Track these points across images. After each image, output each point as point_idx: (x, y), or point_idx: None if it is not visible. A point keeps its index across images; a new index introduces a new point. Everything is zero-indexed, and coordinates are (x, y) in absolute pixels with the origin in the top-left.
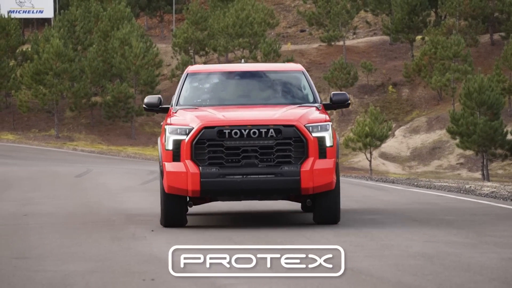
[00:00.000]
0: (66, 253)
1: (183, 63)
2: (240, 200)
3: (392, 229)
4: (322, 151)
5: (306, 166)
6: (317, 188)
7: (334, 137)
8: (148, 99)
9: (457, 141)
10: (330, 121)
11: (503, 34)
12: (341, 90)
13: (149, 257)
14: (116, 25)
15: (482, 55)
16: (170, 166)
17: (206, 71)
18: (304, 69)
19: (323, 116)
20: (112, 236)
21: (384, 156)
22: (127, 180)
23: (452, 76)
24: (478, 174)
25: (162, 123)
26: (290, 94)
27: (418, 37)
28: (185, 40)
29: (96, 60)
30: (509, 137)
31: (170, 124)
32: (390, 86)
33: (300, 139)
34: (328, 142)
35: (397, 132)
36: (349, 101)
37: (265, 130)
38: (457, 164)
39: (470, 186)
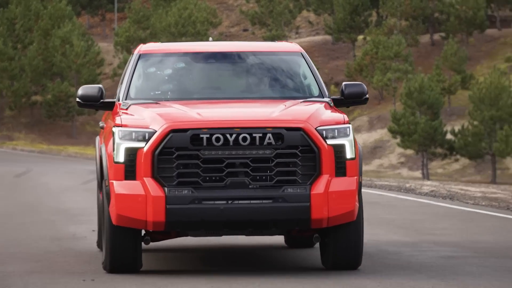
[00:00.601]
0: (5, 253)
1: (125, 62)
2: (222, 235)
3: None
4: (341, 166)
5: (319, 187)
6: (333, 219)
7: (356, 145)
8: (84, 90)
9: (398, 140)
10: (349, 123)
11: (443, 34)
12: None
13: (90, 258)
14: (57, 24)
15: (423, 55)
16: (120, 187)
17: (166, 51)
18: (303, 51)
19: (340, 116)
20: (52, 236)
21: None
22: (68, 179)
23: (393, 76)
24: (418, 173)
25: (101, 124)
26: (287, 85)
27: (360, 37)
28: (127, 39)
29: (37, 58)
30: (448, 136)
31: (121, 126)
32: (332, 86)
33: (310, 148)
34: (349, 153)
35: None
36: (367, 95)
37: (260, 135)
38: (398, 163)
39: (410, 185)
